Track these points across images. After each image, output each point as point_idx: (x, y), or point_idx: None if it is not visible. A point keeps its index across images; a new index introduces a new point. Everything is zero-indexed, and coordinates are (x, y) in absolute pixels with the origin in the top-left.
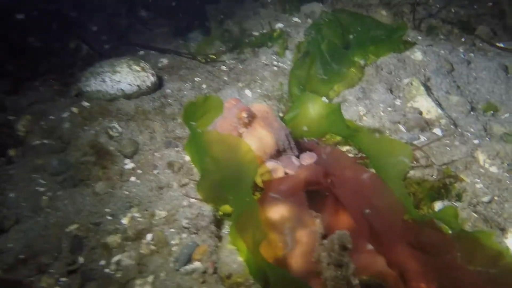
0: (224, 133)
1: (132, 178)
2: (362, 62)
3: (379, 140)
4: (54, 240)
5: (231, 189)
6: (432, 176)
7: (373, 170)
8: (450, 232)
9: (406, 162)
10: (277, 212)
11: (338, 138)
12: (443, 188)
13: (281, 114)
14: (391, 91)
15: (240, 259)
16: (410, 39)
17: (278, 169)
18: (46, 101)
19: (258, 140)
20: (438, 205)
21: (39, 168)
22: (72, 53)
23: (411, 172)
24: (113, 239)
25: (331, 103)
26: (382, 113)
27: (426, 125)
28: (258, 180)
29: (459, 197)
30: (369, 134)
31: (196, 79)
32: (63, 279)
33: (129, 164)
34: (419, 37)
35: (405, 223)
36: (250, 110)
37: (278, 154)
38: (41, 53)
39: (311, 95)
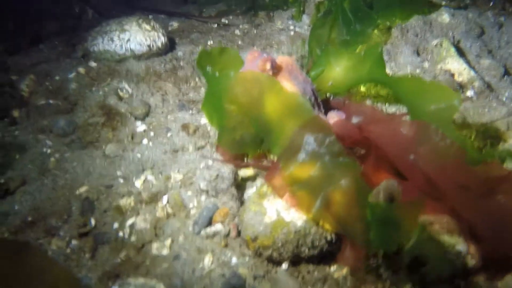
0: (254, 73)
1: (144, 141)
2: (386, 24)
3: (426, 84)
4: (63, 202)
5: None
6: (470, 137)
7: None
8: None
9: (455, 106)
10: (305, 167)
11: (362, 94)
12: (484, 148)
13: (304, 71)
14: (418, 54)
15: (267, 220)
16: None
17: None
18: (50, 62)
19: None
20: None
21: (45, 129)
22: (77, 16)
23: None
24: (126, 202)
25: (358, 53)
26: (409, 76)
27: (458, 88)
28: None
29: (502, 159)
30: (413, 78)
31: (209, 42)
32: (75, 242)
33: (140, 127)
34: (444, 2)
35: (465, 166)
36: (274, 61)
37: None
38: (45, 16)
39: (335, 48)
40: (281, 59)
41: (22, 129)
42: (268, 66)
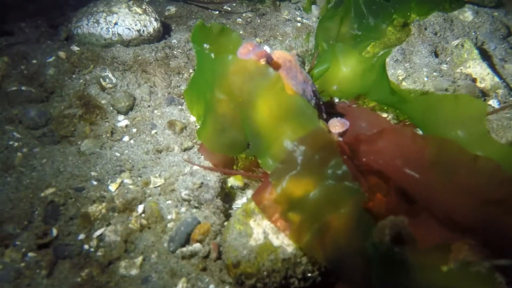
0: (256, 63)
1: (125, 138)
2: (402, 20)
3: (443, 99)
4: (25, 205)
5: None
6: None
7: None
8: None
9: (481, 115)
10: (300, 188)
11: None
12: None
13: (306, 68)
14: (436, 55)
15: (252, 243)
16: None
17: None
18: (29, 43)
19: None
20: None
21: (13, 119)
22: None
23: None
24: (97, 209)
25: (370, 58)
26: (425, 79)
27: (480, 95)
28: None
29: None
30: (426, 97)
31: None
32: (31, 254)
33: (122, 121)
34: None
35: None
36: (270, 57)
37: None
38: None
39: (345, 46)
40: (278, 54)
41: None
42: (262, 62)
